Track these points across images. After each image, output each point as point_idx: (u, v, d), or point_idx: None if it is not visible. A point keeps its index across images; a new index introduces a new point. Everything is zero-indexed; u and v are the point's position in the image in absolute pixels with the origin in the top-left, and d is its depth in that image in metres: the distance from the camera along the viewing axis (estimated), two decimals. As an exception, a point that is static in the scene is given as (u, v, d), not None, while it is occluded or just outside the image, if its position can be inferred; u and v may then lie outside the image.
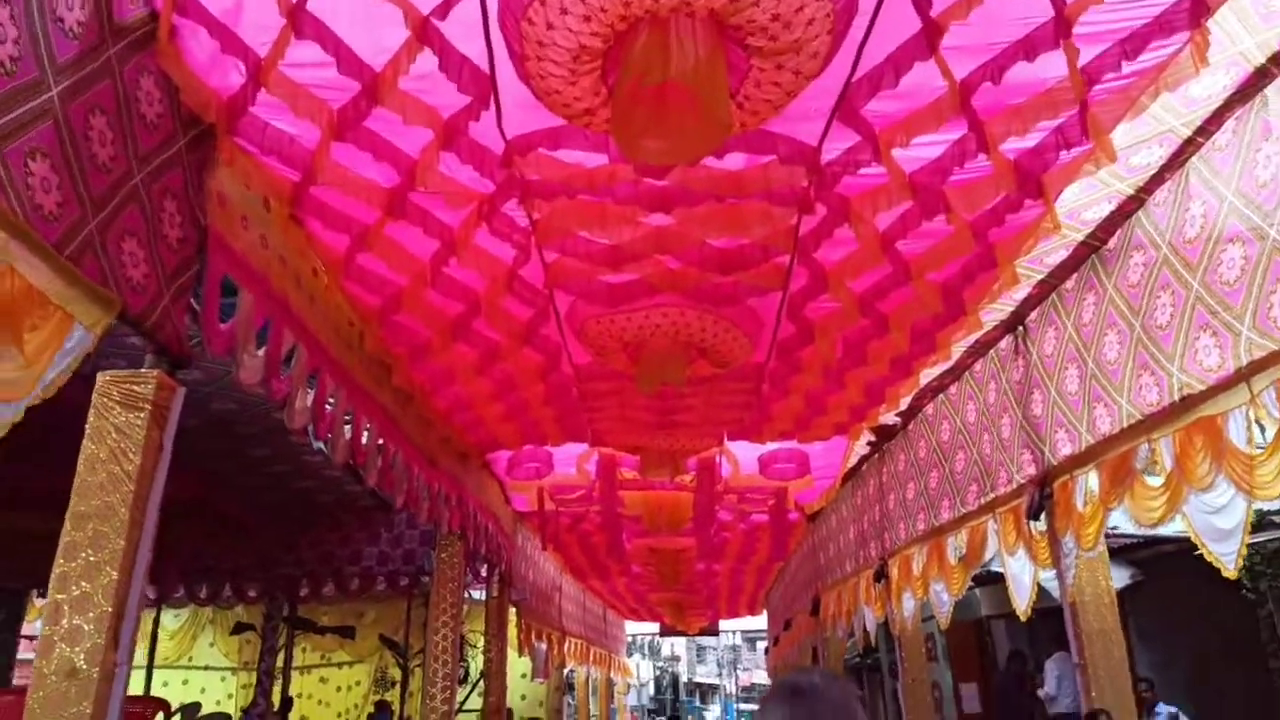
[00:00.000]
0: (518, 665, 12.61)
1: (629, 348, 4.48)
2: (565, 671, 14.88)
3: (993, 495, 5.49)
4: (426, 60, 2.86)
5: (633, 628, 25.62)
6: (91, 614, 2.63)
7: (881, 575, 7.44)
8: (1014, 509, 5.21)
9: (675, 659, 46.83)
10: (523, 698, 14.07)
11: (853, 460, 8.10)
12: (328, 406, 4.36)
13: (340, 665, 12.55)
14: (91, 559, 2.69)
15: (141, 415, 2.82)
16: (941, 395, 6.35)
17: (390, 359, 4.89)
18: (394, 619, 11.30)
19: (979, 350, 5.57)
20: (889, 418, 6.94)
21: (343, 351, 4.51)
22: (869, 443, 7.64)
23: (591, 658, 16.09)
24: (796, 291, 4.20)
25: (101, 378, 2.86)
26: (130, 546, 2.73)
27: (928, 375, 5.84)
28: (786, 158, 3.10)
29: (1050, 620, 6.59)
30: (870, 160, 3.15)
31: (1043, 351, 4.83)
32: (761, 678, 51.76)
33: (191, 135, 3.12)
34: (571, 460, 7.82)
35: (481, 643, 9.47)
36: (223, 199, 3.31)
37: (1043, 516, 4.84)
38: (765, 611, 20.80)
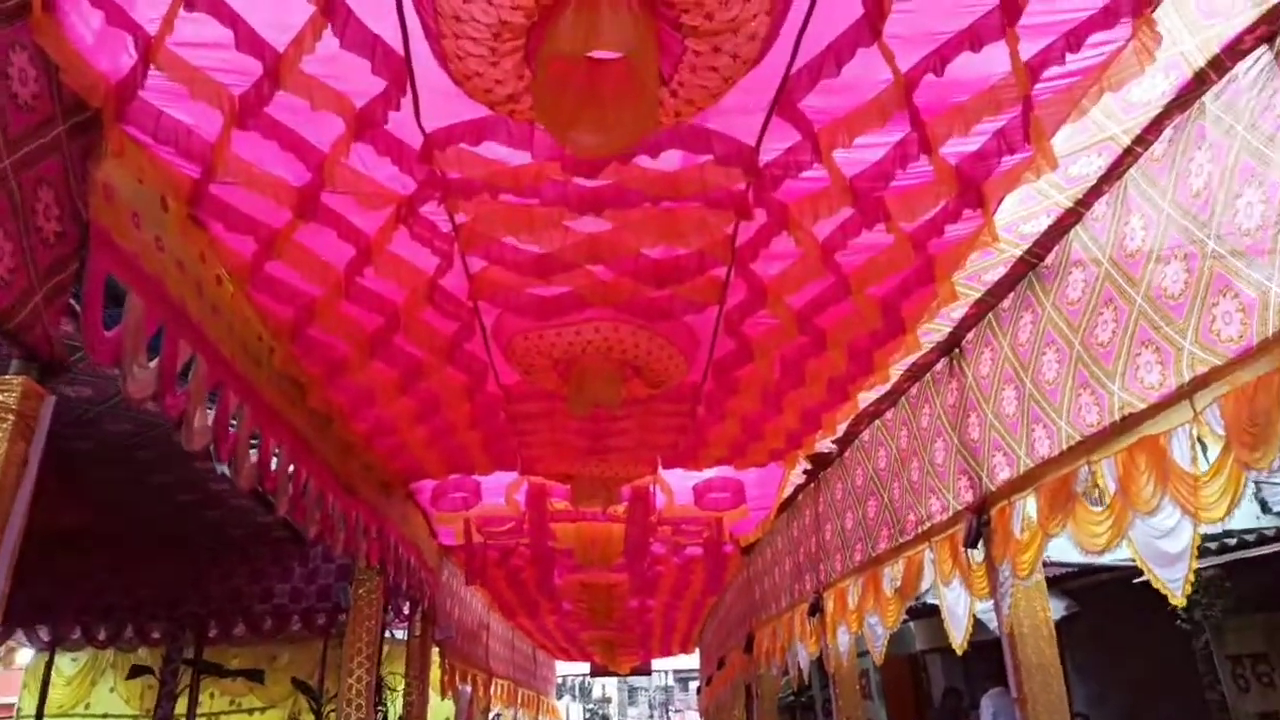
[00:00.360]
0: (440, 709, 12.10)
1: (559, 365, 4.26)
2: (491, 715, 14.37)
3: (929, 524, 5.38)
4: (336, 41, 2.64)
5: (563, 668, 25.08)
6: (-69, 651, 2.29)
7: (816, 609, 7.27)
8: (950, 537, 5.09)
9: (606, 700, 46.04)
10: (446, 743, 13.48)
11: (788, 490, 7.96)
12: (231, 427, 4.04)
13: (251, 711, 11.84)
14: (-65, 589, 2.35)
15: (3, 427, 2.50)
16: (878, 421, 6.25)
17: (304, 377, 4.59)
18: (310, 661, 10.73)
19: (916, 373, 5.48)
20: (825, 445, 6.82)
21: (249, 367, 4.19)
22: (805, 471, 7.51)
23: (519, 700, 15.60)
24: (734, 306, 4.04)
25: (-43, 384, 2.54)
26: (-18, 575, 2.40)
27: (865, 400, 5.75)
28: (723, 157, 2.95)
29: (986, 654, 6.50)
30: (810, 162, 3.01)
31: (978, 373, 4.75)
32: (694, 719, 51.15)
33: (74, 121, 2.83)
34: (500, 490, 7.52)
35: (402, 685, 9.01)
36: (109, 192, 3.01)
37: (980, 544, 4.73)
38: (698, 650, 20.54)
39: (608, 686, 45.37)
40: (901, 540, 5.76)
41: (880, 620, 6.03)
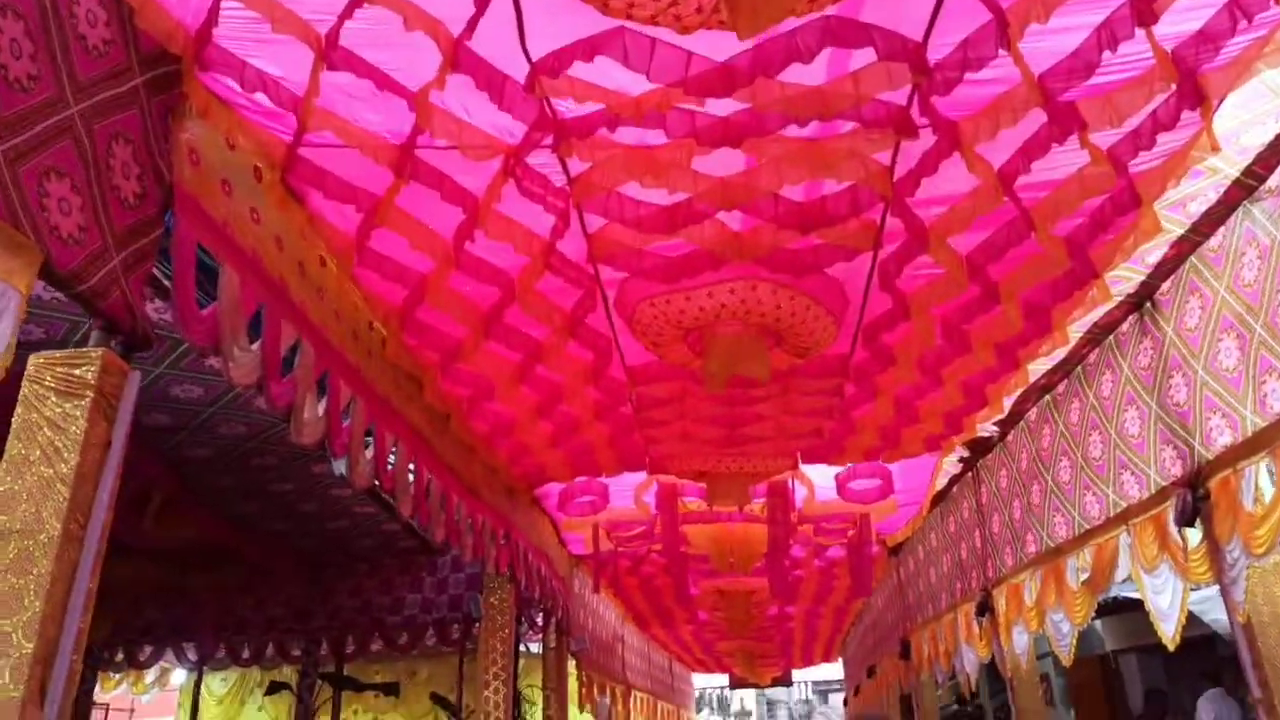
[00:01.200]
0: (579, 722, 11.79)
1: (690, 336, 3.81)
2: (632, 729, 13.97)
3: (1122, 504, 4.68)
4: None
5: (700, 680, 24.56)
6: (8, 658, 2.00)
7: (985, 609, 6.57)
8: (1155, 518, 4.39)
9: (746, 714, 45.00)
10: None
11: (941, 481, 7.27)
12: (344, 422, 3.76)
13: (394, 727, 11.81)
14: (13, 585, 2.07)
15: (81, 404, 2.22)
16: (1047, 396, 5.56)
17: (418, 370, 4.29)
18: (449, 676, 10.54)
19: (1096, 336, 4.79)
20: (987, 427, 6.15)
21: (361, 358, 3.91)
22: (961, 459, 6.82)
23: (659, 714, 15.18)
24: (889, 256, 3.50)
25: (34, 361, 2.27)
26: (64, 570, 2.11)
27: (1034, 372, 5.08)
28: (886, 52, 2.44)
29: (1194, 652, 5.67)
30: (993, 54, 2.47)
31: (1182, 326, 4.05)
32: (837, 732, 49.48)
33: (153, 74, 2.57)
34: (629, 493, 7.13)
35: (540, 698, 8.71)
36: (196, 157, 2.74)
37: (1197, 523, 4.03)
38: (841, 660, 19.70)
39: (745, 700, 44.37)
40: (1085, 526, 5.06)
41: (1066, 616, 5.32)
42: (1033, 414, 5.80)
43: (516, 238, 3.30)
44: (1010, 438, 6.21)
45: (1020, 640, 6.20)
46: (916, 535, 8.70)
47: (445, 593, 6.94)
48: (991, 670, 7.55)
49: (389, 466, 4.19)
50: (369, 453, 3.97)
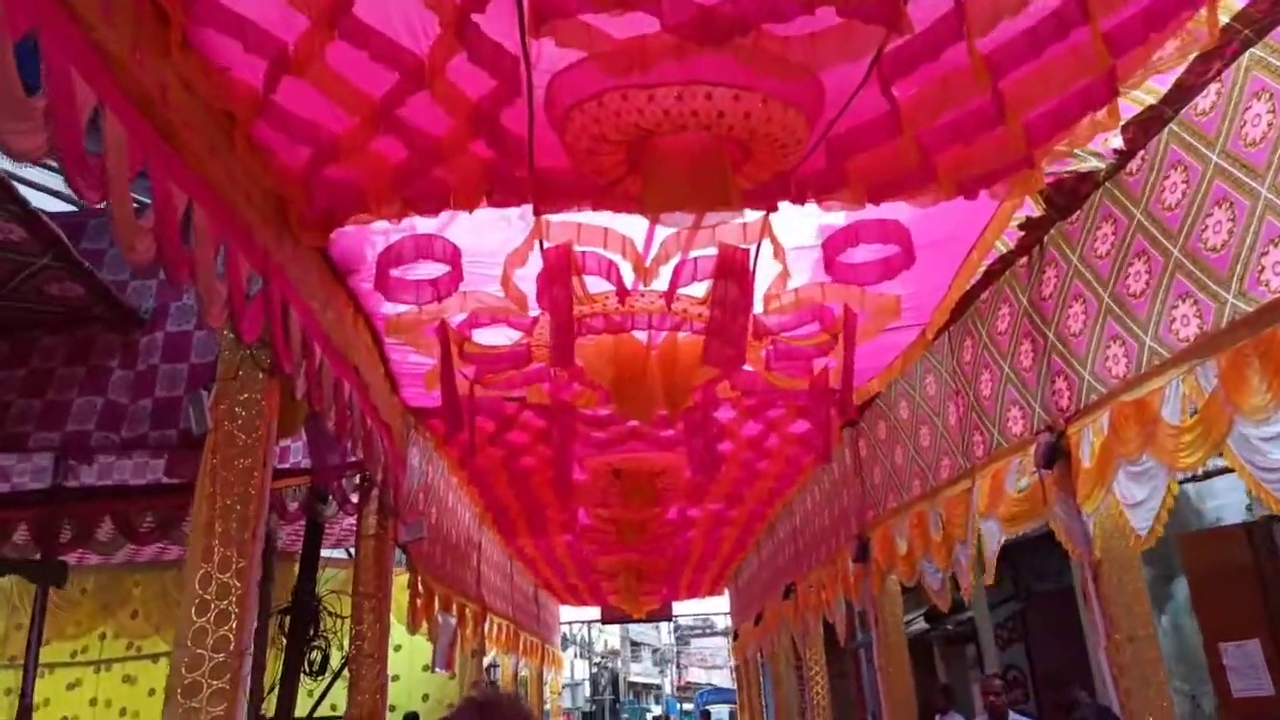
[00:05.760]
0: (416, 650, 9.04)
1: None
2: (487, 664, 11.28)
3: None
4: None
5: (565, 615, 22.21)
6: None
7: (1056, 454, 4.15)
8: None
9: (614, 654, 43.00)
10: (425, 698, 10.34)
11: (977, 275, 4.79)
12: None
13: (156, 658, 8.75)
14: None
15: None
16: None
17: None
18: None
19: None
20: (1102, 150, 3.67)
21: None
22: (1023, 224, 4.33)
23: (521, 646, 12.57)
24: None
25: None
26: None
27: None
28: None
29: None
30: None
31: None
32: (699, 676, 48.54)
33: None
34: (493, 270, 4.35)
35: (350, 610, 5.89)
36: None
37: None
38: (728, 590, 17.67)
39: (610, 640, 42.24)
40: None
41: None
42: (1211, 94, 3.33)
43: None
44: (1134, 166, 3.75)
45: (1135, 491, 3.78)
46: (895, 388, 6.27)
47: (151, 394, 3.90)
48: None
49: None
50: None
